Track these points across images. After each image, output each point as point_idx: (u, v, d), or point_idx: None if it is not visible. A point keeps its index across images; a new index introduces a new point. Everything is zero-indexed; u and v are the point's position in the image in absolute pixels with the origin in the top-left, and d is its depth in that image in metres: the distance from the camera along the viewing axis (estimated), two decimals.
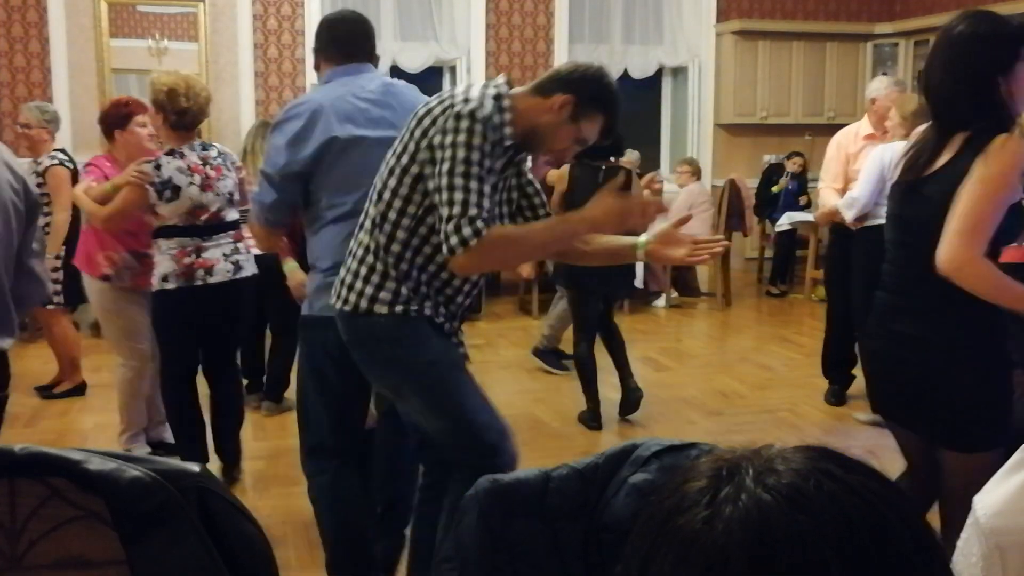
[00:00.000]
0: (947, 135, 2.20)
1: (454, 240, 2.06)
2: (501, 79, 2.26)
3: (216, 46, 7.73)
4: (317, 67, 2.85)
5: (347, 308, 2.29)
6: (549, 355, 5.51)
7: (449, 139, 2.09)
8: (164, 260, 3.46)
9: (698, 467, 0.67)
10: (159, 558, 1.02)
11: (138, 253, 3.75)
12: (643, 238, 2.39)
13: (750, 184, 8.12)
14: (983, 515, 1.10)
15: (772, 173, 8.40)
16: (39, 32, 7.48)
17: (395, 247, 2.23)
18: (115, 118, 3.86)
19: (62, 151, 5.08)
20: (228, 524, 1.05)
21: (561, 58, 8.36)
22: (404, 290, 2.25)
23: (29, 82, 7.49)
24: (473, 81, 8.28)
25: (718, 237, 2.21)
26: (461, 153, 2.07)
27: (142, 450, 3.88)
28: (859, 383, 4.81)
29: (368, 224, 2.27)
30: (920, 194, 2.23)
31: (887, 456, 3.86)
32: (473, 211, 2.05)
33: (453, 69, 8.54)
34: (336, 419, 2.67)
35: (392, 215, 2.22)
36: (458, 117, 2.10)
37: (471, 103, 2.12)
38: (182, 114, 3.44)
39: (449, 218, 2.07)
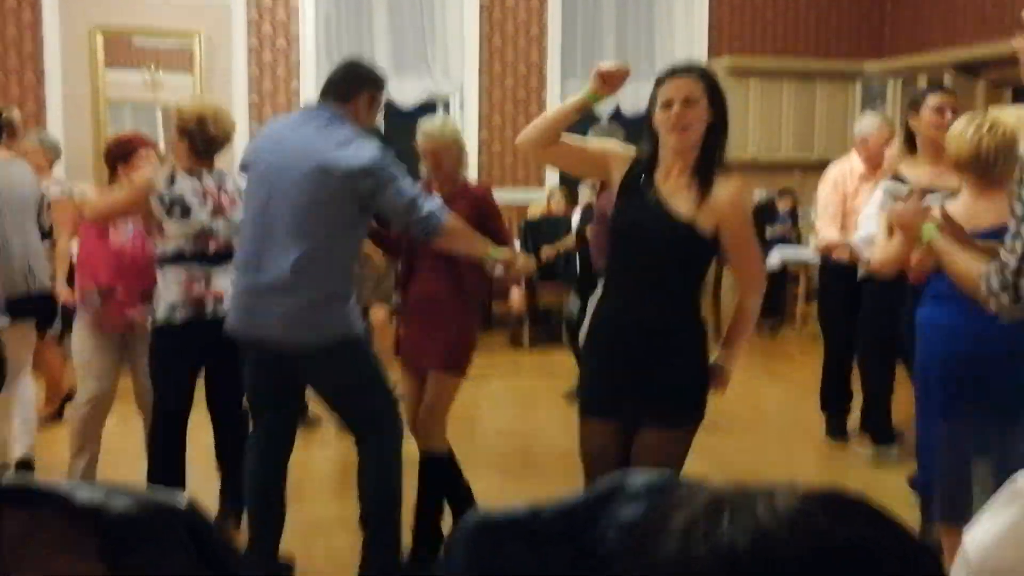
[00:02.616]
0: None
1: None
2: None
3: (211, 79, 7.77)
4: None
5: None
6: None
7: None
8: (171, 290, 3.36)
9: (679, 504, 0.67)
10: None
11: (102, 289, 3.71)
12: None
13: None
14: (973, 552, 1.10)
15: (762, 210, 8.45)
16: (34, 63, 7.52)
17: None
18: (118, 153, 3.81)
19: (61, 179, 5.23)
20: (216, 558, 1.05)
21: (554, 94, 8.43)
22: None
23: (23, 112, 7.48)
24: (465, 115, 8.35)
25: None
26: None
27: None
28: (855, 417, 4.86)
29: None
30: None
31: (884, 495, 3.85)
32: None
33: (447, 104, 8.61)
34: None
35: None
36: None
37: None
38: (210, 142, 3.45)
39: None
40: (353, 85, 2.96)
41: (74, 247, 5.37)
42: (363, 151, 2.81)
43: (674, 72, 2.48)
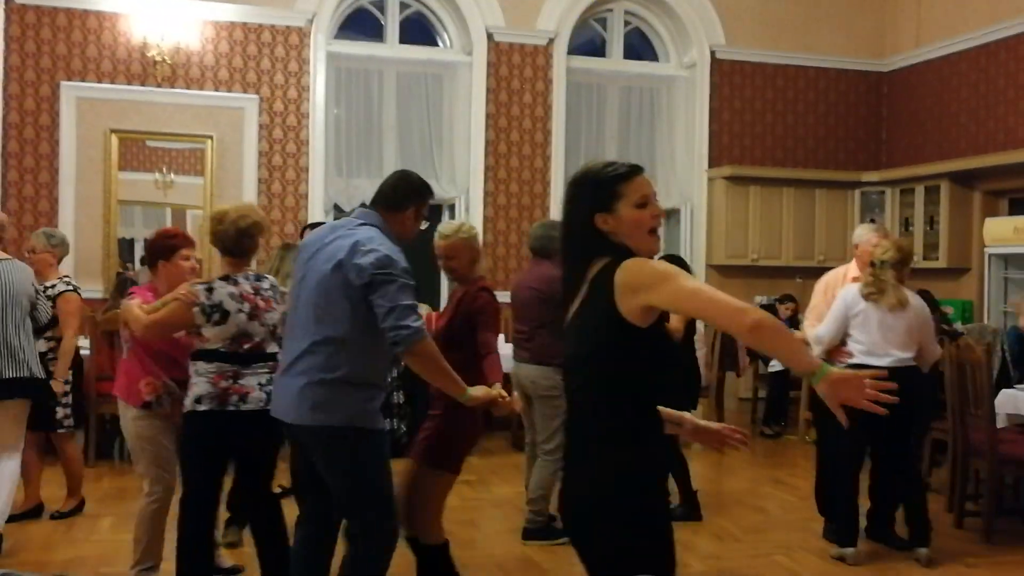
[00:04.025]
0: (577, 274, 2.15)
1: None
2: None
3: (221, 181, 7.93)
4: None
5: None
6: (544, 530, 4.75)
7: None
8: (200, 382, 3.47)
9: None
10: None
11: (180, 381, 3.67)
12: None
13: None
14: None
15: None
16: (50, 164, 7.69)
17: None
18: (161, 249, 3.82)
19: (68, 277, 5.14)
20: None
21: (557, 200, 8.57)
22: None
23: (36, 211, 7.64)
24: (471, 217, 8.48)
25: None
26: None
27: None
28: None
29: None
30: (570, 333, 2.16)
31: None
32: None
33: (452, 207, 8.75)
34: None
35: None
36: None
37: None
38: (236, 240, 3.52)
39: None
40: (404, 197, 3.12)
41: (82, 342, 5.40)
42: (371, 255, 2.93)
43: (637, 168, 2.14)
